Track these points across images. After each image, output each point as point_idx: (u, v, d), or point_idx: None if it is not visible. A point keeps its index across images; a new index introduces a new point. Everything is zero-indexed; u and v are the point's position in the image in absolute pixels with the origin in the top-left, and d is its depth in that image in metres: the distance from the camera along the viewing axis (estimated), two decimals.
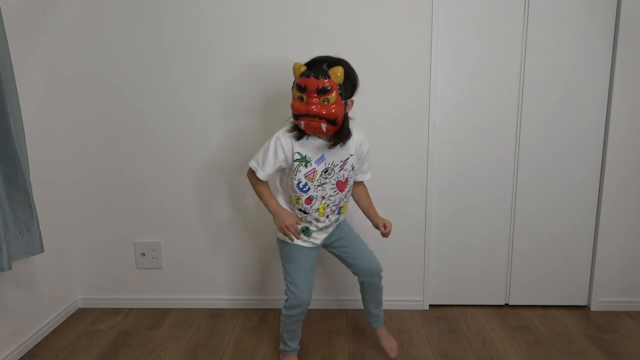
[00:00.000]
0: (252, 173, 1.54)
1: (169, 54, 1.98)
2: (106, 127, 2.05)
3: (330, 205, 1.55)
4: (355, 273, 1.67)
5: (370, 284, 1.65)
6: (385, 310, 2.12)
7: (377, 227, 1.62)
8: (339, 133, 1.46)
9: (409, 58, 1.95)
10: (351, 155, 1.55)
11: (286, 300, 1.56)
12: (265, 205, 1.55)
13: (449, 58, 1.96)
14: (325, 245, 1.67)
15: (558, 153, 2.02)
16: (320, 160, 1.50)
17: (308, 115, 1.38)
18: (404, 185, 2.05)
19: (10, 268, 1.57)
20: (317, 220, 1.56)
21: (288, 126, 1.51)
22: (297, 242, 1.57)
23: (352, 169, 1.57)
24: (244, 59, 1.97)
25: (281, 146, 1.49)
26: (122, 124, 2.05)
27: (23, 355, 1.81)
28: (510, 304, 2.16)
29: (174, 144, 2.06)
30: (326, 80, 1.35)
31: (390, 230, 1.59)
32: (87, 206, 2.12)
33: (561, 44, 1.93)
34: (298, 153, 1.48)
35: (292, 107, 1.42)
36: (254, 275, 2.17)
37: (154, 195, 2.10)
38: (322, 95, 1.36)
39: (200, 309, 2.18)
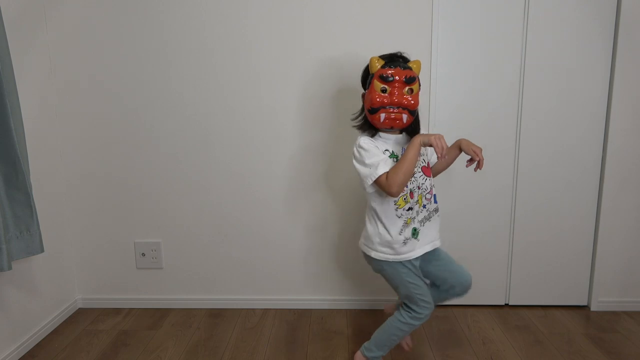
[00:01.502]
0: (382, 181, 1.37)
1: (169, 53, 1.98)
2: (106, 126, 2.05)
3: (425, 194, 1.48)
4: (449, 286, 1.57)
5: (459, 294, 1.58)
6: None
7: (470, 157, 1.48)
8: (413, 124, 1.46)
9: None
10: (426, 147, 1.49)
11: (416, 312, 1.49)
12: (411, 157, 1.36)
13: (448, 58, 1.96)
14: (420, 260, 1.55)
15: (558, 153, 2.02)
16: (403, 150, 1.45)
17: (391, 107, 1.37)
18: None
19: (10, 268, 1.57)
20: (418, 213, 1.47)
21: (362, 132, 1.48)
22: (412, 255, 1.47)
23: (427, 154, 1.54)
24: (246, 60, 1.97)
25: (374, 144, 1.42)
26: (122, 124, 2.05)
27: (23, 355, 1.81)
28: (510, 304, 2.16)
29: (174, 144, 2.06)
30: (411, 71, 1.38)
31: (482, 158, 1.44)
32: (87, 206, 2.12)
33: (561, 44, 1.93)
34: (386, 150, 1.43)
35: (372, 100, 1.38)
36: (255, 275, 2.17)
37: (154, 195, 2.10)
38: (407, 85, 1.37)
39: (200, 309, 2.18)
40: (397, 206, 1.44)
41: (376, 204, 1.46)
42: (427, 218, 1.50)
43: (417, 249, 1.49)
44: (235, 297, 2.19)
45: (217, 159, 2.06)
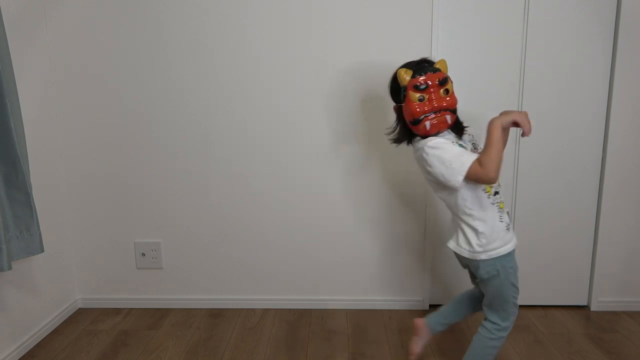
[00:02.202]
0: (476, 169, 1.29)
1: (169, 53, 1.98)
2: (106, 126, 2.05)
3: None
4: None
5: None
6: (386, 310, 2.13)
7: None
8: (457, 121, 1.43)
9: (408, 60, 1.94)
10: (470, 134, 1.49)
11: (502, 322, 1.42)
12: (498, 138, 1.30)
13: (449, 58, 1.94)
14: None
15: (558, 153, 2.02)
16: (463, 141, 1.42)
17: (433, 112, 1.34)
18: (404, 187, 2.05)
19: (10, 268, 1.57)
20: (502, 196, 1.43)
21: (399, 144, 1.47)
22: (511, 244, 1.40)
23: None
24: (246, 60, 1.97)
25: (443, 139, 1.36)
26: (122, 124, 2.05)
27: (23, 355, 1.81)
28: None
29: (175, 144, 2.06)
30: (441, 72, 1.36)
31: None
32: (87, 206, 2.12)
33: (561, 44, 1.93)
34: (454, 143, 1.36)
35: (412, 112, 1.34)
36: (255, 275, 2.17)
37: (154, 195, 2.10)
38: (442, 87, 1.35)
39: (200, 309, 2.18)
40: (487, 194, 1.37)
41: (465, 199, 1.36)
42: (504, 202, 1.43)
43: (513, 242, 1.41)
44: (235, 297, 2.19)
45: (217, 158, 2.06)
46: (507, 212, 1.43)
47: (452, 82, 1.39)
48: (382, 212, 2.08)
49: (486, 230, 1.37)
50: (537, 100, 1.97)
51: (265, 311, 2.15)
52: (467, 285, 2.15)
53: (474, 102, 1.99)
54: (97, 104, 2.03)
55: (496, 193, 1.39)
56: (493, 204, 1.38)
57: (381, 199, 2.08)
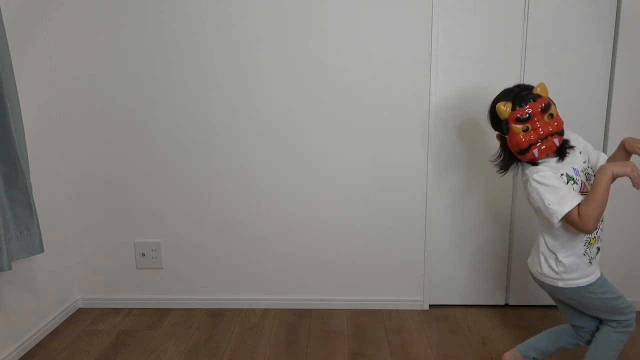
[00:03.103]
0: (574, 217, 1.26)
1: (169, 53, 1.98)
2: (106, 126, 2.05)
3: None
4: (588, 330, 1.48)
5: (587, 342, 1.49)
6: (386, 310, 2.13)
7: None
8: (565, 142, 1.37)
9: (408, 62, 1.95)
10: (580, 153, 1.41)
11: (621, 321, 1.40)
12: (605, 189, 1.25)
13: (448, 58, 1.96)
14: None
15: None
16: (576, 172, 1.35)
17: (540, 140, 1.31)
18: (405, 186, 2.05)
19: (10, 268, 1.57)
20: (599, 231, 1.39)
21: (505, 171, 1.46)
22: (592, 276, 1.38)
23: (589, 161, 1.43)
24: (246, 61, 1.97)
25: (552, 173, 1.31)
26: (122, 124, 2.05)
27: (23, 355, 1.81)
28: (510, 304, 2.16)
29: (175, 144, 2.06)
30: (541, 98, 1.33)
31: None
32: (87, 206, 2.12)
33: (561, 44, 1.93)
34: (561, 174, 1.32)
35: (519, 143, 1.33)
36: (255, 275, 2.17)
37: (154, 196, 2.10)
38: (546, 113, 1.32)
39: (200, 309, 2.18)
40: (587, 239, 1.35)
41: (559, 236, 1.36)
42: (599, 237, 1.40)
43: (598, 269, 1.40)
44: (235, 297, 2.19)
45: (217, 158, 2.06)
46: (598, 247, 1.39)
47: (554, 104, 1.35)
48: (381, 213, 2.08)
49: (566, 261, 1.36)
50: None
51: (265, 311, 2.15)
52: (467, 284, 2.16)
53: (474, 102, 1.99)
54: (97, 104, 2.03)
55: (597, 237, 1.37)
56: (583, 243, 1.36)
57: (381, 201, 2.07)
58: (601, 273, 1.41)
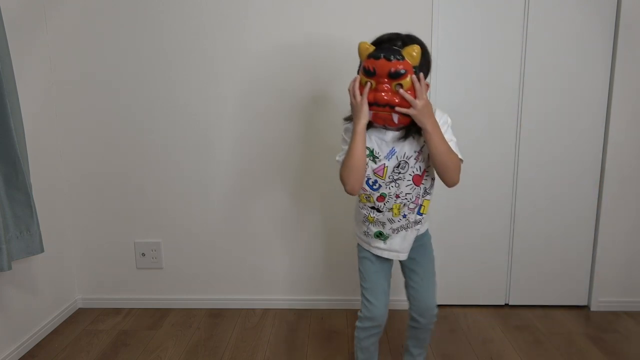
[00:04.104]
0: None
1: (169, 53, 1.98)
2: (106, 126, 2.05)
3: (408, 204, 1.30)
4: (408, 302, 1.48)
5: (416, 321, 1.46)
6: None
7: None
8: (413, 124, 1.21)
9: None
10: (425, 143, 1.25)
11: (360, 311, 1.41)
12: (354, 146, 1.22)
13: (448, 58, 1.96)
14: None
15: (558, 153, 2.02)
16: (391, 154, 1.26)
17: (377, 104, 1.17)
18: None
19: (10, 268, 1.57)
20: (391, 221, 1.32)
21: (346, 116, 1.31)
22: (376, 251, 1.38)
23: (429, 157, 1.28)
24: (246, 61, 1.97)
25: (345, 142, 1.29)
26: (122, 124, 2.05)
27: (23, 355, 1.81)
28: (510, 304, 2.16)
29: (175, 144, 2.06)
30: (400, 63, 1.13)
31: None
32: (87, 206, 2.12)
33: (561, 45, 1.93)
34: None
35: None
36: (254, 275, 2.17)
37: (154, 196, 2.10)
38: (394, 81, 1.14)
39: (200, 309, 2.18)
40: (359, 199, 1.35)
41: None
42: (404, 227, 1.34)
43: (381, 250, 1.37)
44: (235, 297, 2.19)
45: (217, 158, 2.06)
46: (381, 232, 1.35)
47: (419, 78, 1.15)
48: None
49: (356, 211, 1.43)
50: (537, 100, 1.97)
51: (265, 311, 2.15)
52: (467, 284, 2.16)
53: (474, 102, 1.99)
54: (97, 104, 2.03)
55: (375, 209, 1.33)
56: (361, 208, 1.36)
57: None
58: (377, 257, 1.39)
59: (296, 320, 2.07)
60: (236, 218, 2.11)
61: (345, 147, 1.27)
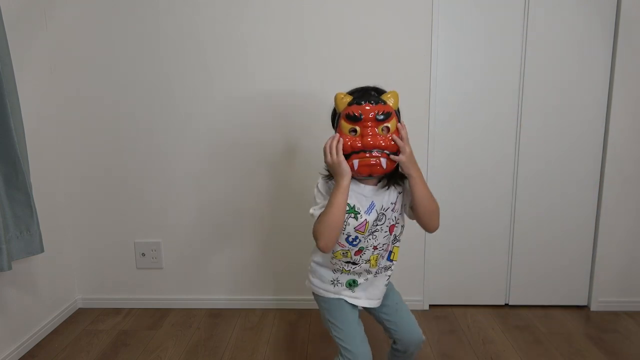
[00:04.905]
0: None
1: (169, 54, 1.98)
2: (106, 126, 2.05)
3: (382, 252, 1.28)
4: (392, 340, 1.42)
5: (402, 352, 1.40)
6: None
7: None
8: (394, 172, 1.19)
9: (408, 62, 1.95)
10: (400, 193, 1.24)
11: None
12: (335, 198, 1.15)
13: (448, 59, 1.96)
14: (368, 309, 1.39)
15: (558, 153, 2.02)
16: (370, 208, 1.21)
17: (364, 151, 1.12)
18: None
19: (10, 268, 1.57)
20: (368, 272, 1.30)
21: (325, 173, 1.24)
22: (349, 299, 1.33)
23: (403, 206, 1.26)
24: (245, 61, 1.97)
25: (322, 196, 1.22)
26: (122, 124, 2.05)
27: (23, 355, 1.81)
28: (510, 304, 2.16)
29: (175, 144, 2.06)
30: (384, 106, 1.13)
31: None
32: (87, 206, 2.12)
33: (561, 44, 1.93)
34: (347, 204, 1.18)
35: (343, 146, 1.15)
36: (254, 275, 2.17)
37: (154, 196, 2.10)
38: (381, 123, 1.12)
39: (200, 309, 2.18)
40: (332, 255, 1.26)
41: None
42: (375, 274, 1.31)
43: (350, 298, 1.32)
44: (235, 297, 2.19)
45: (217, 158, 2.06)
46: (355, 280, 1.31)
47: (400, 121, 1.16)
48: None
49: (314, 264, 1.38)
50: (537, 100, 1.97)
51: (265, 311, 2.15)
52: (467, 284, 2.16)
53: (474, 102, 1.99)
54: (97, 104, 2.03)
55: (350, 263, 1.27)
56: (333, 264, 1.30)
57: None
58: (346, 303, 1.33)
59: (296, 320, 2.07)
60: (236, 218, 2.11)
61: (321, 202, 1.21)
